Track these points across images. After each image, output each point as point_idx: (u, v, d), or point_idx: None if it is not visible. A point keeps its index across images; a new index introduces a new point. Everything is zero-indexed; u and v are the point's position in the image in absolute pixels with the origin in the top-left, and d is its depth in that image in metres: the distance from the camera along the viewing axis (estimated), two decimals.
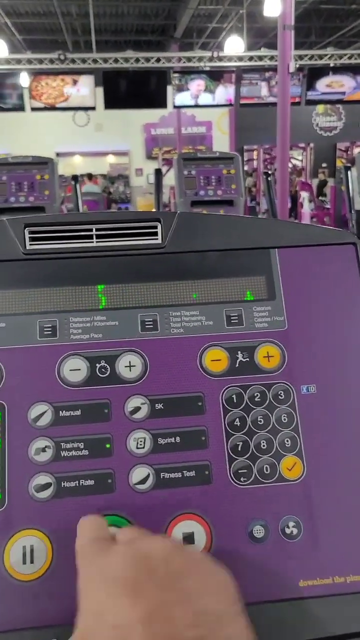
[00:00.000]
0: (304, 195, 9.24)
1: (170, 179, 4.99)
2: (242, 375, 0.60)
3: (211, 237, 0.64)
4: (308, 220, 8.86)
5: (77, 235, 0.63)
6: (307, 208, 9.01)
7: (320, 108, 14.78)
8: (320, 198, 11.03)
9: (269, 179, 4.17)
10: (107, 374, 0.59)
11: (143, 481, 0.56)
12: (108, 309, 0.61)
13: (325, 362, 0.61)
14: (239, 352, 0.61)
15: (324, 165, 14.89)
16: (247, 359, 0.61)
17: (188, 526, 0.55)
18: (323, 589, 0.54)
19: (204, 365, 0.60)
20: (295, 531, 0.56)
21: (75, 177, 4.11)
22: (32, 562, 0.53)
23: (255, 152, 14.79)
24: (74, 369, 0.59)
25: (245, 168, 14.47)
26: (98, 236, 0.63)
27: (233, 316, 0.62)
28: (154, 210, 9.34)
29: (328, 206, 9.29)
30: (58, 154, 13.73)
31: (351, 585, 0.54)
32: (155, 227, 0.64)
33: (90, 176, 11.85)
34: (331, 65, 10.97)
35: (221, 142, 15.04)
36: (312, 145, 15.10)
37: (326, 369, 0.61)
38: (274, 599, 0.53)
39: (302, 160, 15.25)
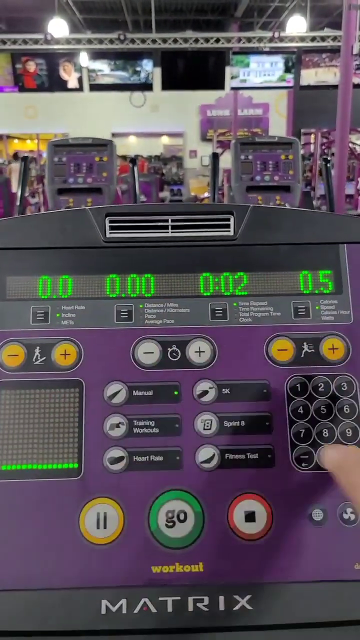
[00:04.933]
0: None
1: (223, 161, 4.92)
2: (306, 366, 0.62)
3: (282, 231, 0.66)
4: None
5: (153, 225, 0.66)
6: None
7: None
8: None
9: (328, 165, 4.07)
10: (177, 358, 0.62)
11: (208, 460, 0.60)
12: (180, 296, 0.64)
13: None
14: (305, 343, 0.63)
15: None
16: (313, 350, 0.63)
17: (250, 505, 0.58)
18: None
19: (270, 354, 0.63)
20: (353, 517, 0.58)
21: (133, 159, 4.14)
22: (105, 527, 0.57)
23: (312, 136, 14.42)
24: (148, 352, 0.62)
25: (302, 152, 14.15)
26: (173, 227, 0.66)
27: (300, 308, 0.64)
28: (207, 192, 9.26)
29: None
30: (114, 135, 13.83)
31: None
32: (228, 220, 0.66)
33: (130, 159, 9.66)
34: None
35: (278, 125, 14.75)
36: None
37: None
38: (329, 579, 0.56)
39: None
